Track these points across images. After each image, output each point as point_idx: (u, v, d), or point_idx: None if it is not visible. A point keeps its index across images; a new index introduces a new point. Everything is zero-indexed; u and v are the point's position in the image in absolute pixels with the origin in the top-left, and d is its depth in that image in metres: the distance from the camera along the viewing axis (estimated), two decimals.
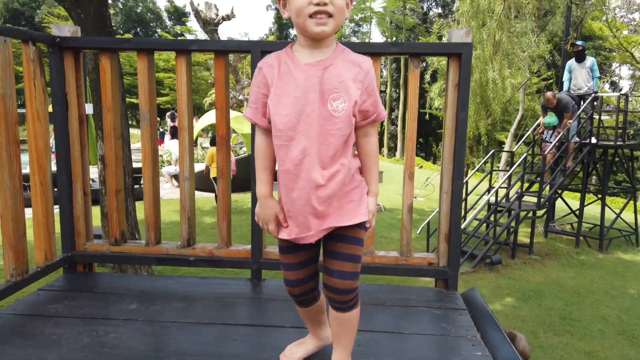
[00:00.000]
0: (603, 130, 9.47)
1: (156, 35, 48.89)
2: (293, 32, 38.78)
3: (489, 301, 6.06)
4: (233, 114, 11.43)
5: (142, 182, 7.56)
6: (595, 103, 8.73)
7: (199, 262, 2.18)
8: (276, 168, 1.39)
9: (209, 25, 12.92)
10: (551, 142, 8.46)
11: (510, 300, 6.17)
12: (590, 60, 8.81)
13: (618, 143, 8.69)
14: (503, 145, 21.36)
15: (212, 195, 10.11)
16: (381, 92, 30.54)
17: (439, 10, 34.96)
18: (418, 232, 8.54)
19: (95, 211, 3.79)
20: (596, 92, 8.80)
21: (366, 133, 1.40)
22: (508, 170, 8.74)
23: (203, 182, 9.77)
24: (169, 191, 11.39)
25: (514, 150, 11.15)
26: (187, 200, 2.17)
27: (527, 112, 19.59)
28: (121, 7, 49.71)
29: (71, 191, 2.16)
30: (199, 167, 9.82)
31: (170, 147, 13.94)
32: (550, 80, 22.60)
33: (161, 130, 21.80)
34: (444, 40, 18.11)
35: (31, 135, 1.90)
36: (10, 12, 44.49)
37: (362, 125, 1.38)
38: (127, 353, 1.50)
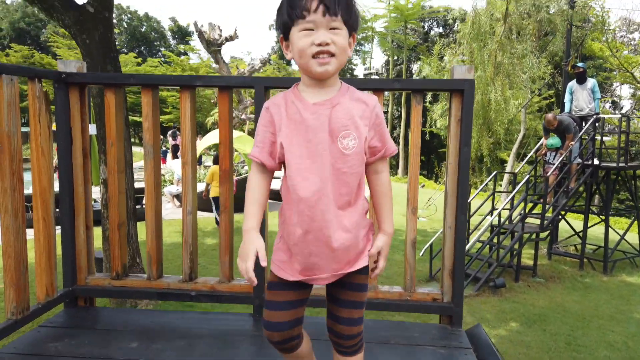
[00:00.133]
0: (605, 151, 9.47)
1: (159, 53, 49.42)
2: None
3: (493, 326, 5.99)
4: (236, 133, 11.48)
5: (143, 202, 7.52)
6: (597, 124, 8.75)
7: (201, 297, 2.16)
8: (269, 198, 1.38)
9: (213, 45, 13.06)
10: (554, 164, 8.46)
11: (515, 325, 6.09)
12: (591, 82, 8.86)
13: (621, 165, 8.68)
14: (505, 164, 21.37)
15: (213, 215, 10.09)
16: (384, 112, 30.61)
17: (440, 29, 35.33)
18: (421, 254, 8.49)
19: (97, 232, 3.78)
20: (598, 114, 8.82)
21: (376, 170, 1.41)
22: (511, 192, 8.73)
23: (204, 202, 9.77)
24: (170, 211, 11.38)
25: (517, 169, 11.14)
26: (189, 234, 2.16)
27: (529, 131, 19.64)
28: (126, 26, 50.39)
29: (74, 225, 2.15)
30: (200, 186, 9.83)
31: (172, 167, 13.97)
32: (551, 100, 22.70)
33: (163, 148, 21.88)
34: (445, 60, 18.25)
35: (35, 171, 1.91)
36: (16, 31, 45.10)
37: (371, 161, 1.38)
38: None
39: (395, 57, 32.36)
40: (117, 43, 4.94)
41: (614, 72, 21.82)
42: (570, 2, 13.08)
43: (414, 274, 2.10)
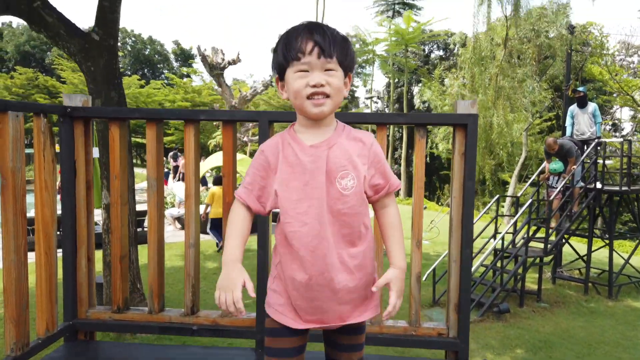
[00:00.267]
0: (608, 174, 9.47)
1: (163, 76, 49.97)
2: None
3: (498, 353, 5.89)
4: (238, 156, 11.52)
5: (145, 225, 7.48)
6: (598, 148, 8.76)
7: (203, 332, 2.13)
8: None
9: (215, 69, 13.21)
10: (557, 188, 8.45)
11: (520, 352, 6.00)
12: (592, 106, 8.91)
13: (623, 189, 8.66)
14: (507, 185, 21.36)
15: (214, 238, 10.05)
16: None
17: (441, 52, 35.73)
18: (424, 278, 8.42)
19: (98, 254, 3.76)
20: (599, 137, 8.84)
21: (383, 204, 1.39)
22: (514, 215, 8.69)
23: (205, 224, 9.76)
24: (171, 234, 11.34)
25: (520, 193, 11.13)
26: (192, 267, 2.15)
27: (530, 153, 19.69)
28: (130, 49, 51.09)
29: (75, 257, 2.14)
30: (202, 208, 9.83)
31: (174, 189, 13.99)
32: (552, 122, 22.82)
33: (165, 170, 21.96)
34: (446, 82, 18.42)
35: (38, 205, 1.90)
36: (21, 54, 45.75)
37: (376, 199, 1.37)
38: None
39: (396, 80, 32.65)
40: (120, 65, 5.00)
41: (614, 95, 21.99)
42: (569, 27, 13.26)
43: (419, 309, 2.08)
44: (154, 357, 2.04)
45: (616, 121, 26.86)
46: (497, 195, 9.20)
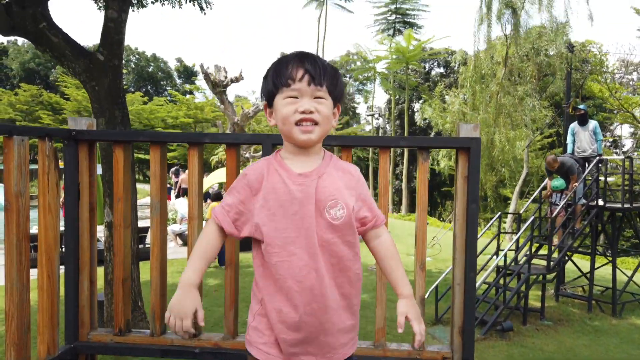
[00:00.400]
0: (610, 192, 9.46)
1: (166, 92, 50.36)
2: None
3: None
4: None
5: (146, 241, 7.47)
6: (600, 165, 8.77)
7: (205, 355, 2.11)
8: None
9: (218, 87, 13.30)
10: (559, 205, 8.45)
11: None
12: (592, 124, 8.94)
13: (625, 206, 8.65)
14: (508, 201, 21.33)
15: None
16: None
17: (441, 69, 36.00)
18: (426, 295, 8.35)
19: (99, 271, 3.74)
20: (600, 155, 8.86)
21: (377, 234, 1.38)
22: (516, 232, 8.67)
23: None
24: (173, 250, 11.31)
25: (522, 209, 11.12)
26: None
27: (532, 169, 19.72)
28: (133, 66, 51.58)
29: (78, 280, 2.13)
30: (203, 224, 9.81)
31: (176, 206, 14.01)
32: (553, 138, 22.88)
33: (168, 186, 21.99)
34: (447, 100, 18.53)
35: (42, 228, 1.91)
36: (25, 71, 46.19)
37: (364, 231, 1.36)
38: None
39: (397, 96, 32.85)
40: (124, 82, 5.05)
41: (614, 112, 22.10)
42: (568, 46, 13.39)
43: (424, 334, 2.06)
44: None
45: (616, 138, 26.94)
46: (499, 212, 9.18)
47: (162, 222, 2.10)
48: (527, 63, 14.86)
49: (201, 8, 5.98)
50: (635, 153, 24.53)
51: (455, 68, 27.67)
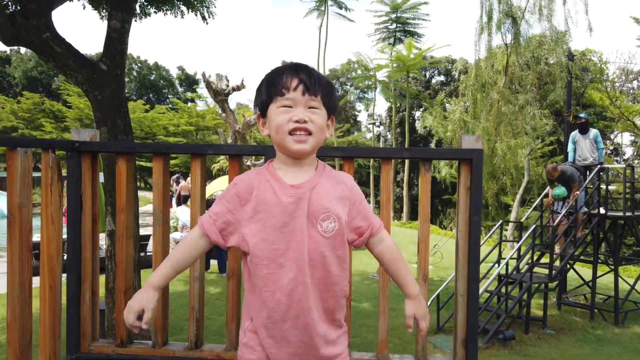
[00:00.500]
0: (611, 200, 9.46)
1: (167, 100, 50.54)
2: None
3: None
4: None
5: (148, 249, 7.49)
6: (601, 173, 8.77)
7: None
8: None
9: (220, 95, 13.33)
10: (561, 213, 8.44)
11: None
12: (593, 132, 8.96)
13: (627, 215, 8.64)
14: (509, 208, 21.30)
15: (215, 261, 10.04)
16: None
17: (442, 77, 36.11)
18: (428, 304, 8.32)
19: (101, 279, 3.74)
20: (601, 163, 8.87)
21: (380, 239, 1.37)
22: (517, 241, 8.65)
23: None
24: None
25: (524, 218, 11.10)
26: (196, 301, 2.13)
27: (533, 177, 19.72)
28: (135, 75, 51.80)
29: (80, 291, 2.13)
30: None
31: (177, 214, 14.01)
32: (554, 146, 22.89)
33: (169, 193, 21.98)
34: (448, 108, 18.58)
35: (44, 240, 1.91)
36: (28, 80, 46.41)
37: (360, 242, 1.35)
38: None
39: (398, 104, 32.92)
40: (126, 90, 5.07)
41: (615, 120, 22.13)
42: (568, 54, 13.43)
43: (426, 344, 2.05)
44: None
45: (616, 146, 26.96)
46: (501, 221, 9.17)
47: (165, 233, 2.10)
48: (527, 72, 14.92)
49: (203, 18, 6.02)
50: (636, 161, 24.53)
51: (456, 76, 27.75)
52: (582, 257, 9.77)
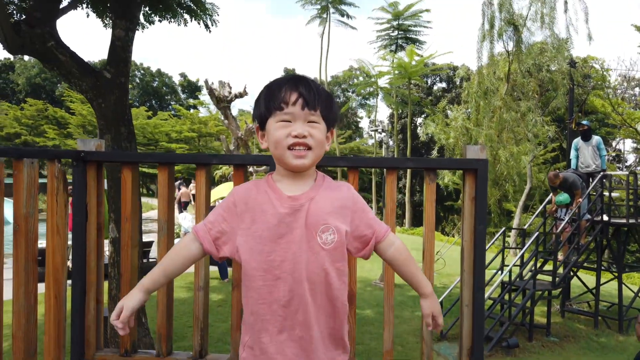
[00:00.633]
0: (614, 207, 9.44)
1: (170, 107, 50.71)
2: None
3: None
4: None
5: (150, 256, 7.48)
6: (604, 180, 8.76)
7: None
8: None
9: (222, 102, 13.37)
10: (564, 220, 8.43)
11: None
12: (595, 139, 8.95)
13: (631, 222, 8.62)
14: (512, 214, 21.26)
15: (216, 267, 10.02)
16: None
17: (443, 84, 36.17)
18: None
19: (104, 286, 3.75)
20: (604, 170, 8.86)
21: (389, 244, 1.36)
22: (520, 247, 8.63)
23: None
24: None
25: (527, 225, 11.07)
26: (201, 311, 2.13)
27: (535, 183, 19.69)
28: (138, 81, 52.02)
29: (84, 300, 2.13)
30: None
31: (179, 220, 14.03)
32: (556, 152, 22.88)
33: None
34: (450, 115, 18.61)
35: (50, 250, 1.91)
36: (31, 86, 46.64)
37: (367, 251, 1.33)
38: None
39: (400, 111, 32.96)
40: (129, 97, 5.09)
41: (617, 127, 22.13)
42: (570, 62, 13.46)
43: (431, 354, 2.04)
44: None
45: (619, 153, 26.95)
46: (504, 228, 9.15)
47: (170, 243, 2.10)
48: (529, 79, 14.96)
49: (206, 26, 6.05)
50: (639, 168, 24.49)
51: (458, 83, 27.79)
52: (585, 264, 9.73)
